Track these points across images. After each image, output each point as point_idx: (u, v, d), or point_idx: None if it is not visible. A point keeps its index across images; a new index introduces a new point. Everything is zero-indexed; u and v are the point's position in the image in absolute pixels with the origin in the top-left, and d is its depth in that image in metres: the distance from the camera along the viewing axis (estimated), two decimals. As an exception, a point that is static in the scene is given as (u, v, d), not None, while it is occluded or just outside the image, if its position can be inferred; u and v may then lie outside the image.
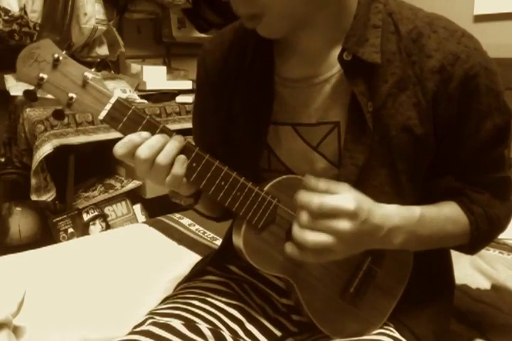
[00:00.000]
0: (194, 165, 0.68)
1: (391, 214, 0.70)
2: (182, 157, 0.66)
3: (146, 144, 0.65)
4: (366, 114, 0.71)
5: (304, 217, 0.65)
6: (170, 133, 0.67)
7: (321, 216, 0.64)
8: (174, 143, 0.66)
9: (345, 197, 0.65)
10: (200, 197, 0.80)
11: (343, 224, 0.64)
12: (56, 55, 0.61)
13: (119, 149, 0.65)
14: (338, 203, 0.64)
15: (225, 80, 0.83)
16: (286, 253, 0.68)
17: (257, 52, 0.78)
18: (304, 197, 0.66)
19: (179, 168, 0.66)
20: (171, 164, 0.66)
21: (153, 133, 0.66)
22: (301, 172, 0.78)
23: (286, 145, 0.79)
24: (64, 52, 0.63)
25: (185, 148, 0.67)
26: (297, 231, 0.66)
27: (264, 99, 0.78)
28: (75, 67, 0.63)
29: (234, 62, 0.82)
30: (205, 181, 0.68)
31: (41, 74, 0.61)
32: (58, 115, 0.65)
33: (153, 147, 0.65)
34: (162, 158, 0.65)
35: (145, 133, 0.65)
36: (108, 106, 0.64)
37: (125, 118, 0.64)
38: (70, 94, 0.62)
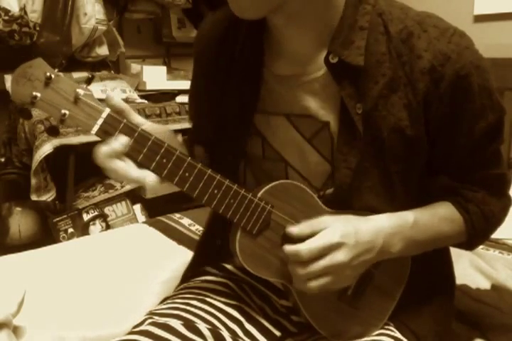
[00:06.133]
0: (187, 175, 0.68)
1: (382, 224, 0.72)
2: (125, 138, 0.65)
3: None
4: (355, 117, 0.71)
5: (300, 271, 0.68)
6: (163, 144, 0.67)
7: (314, 260, 0.67)
8: None
9: (326, 232, 0.68)
10: None
11: (337, 257, 0.67)
12: (48, 74, 0.62)
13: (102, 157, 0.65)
14: (321, 242, 0.67)
15: (218, 63, 0.83)
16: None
17: (247, 42, 0.78)
18: (291, 250, 0.68)
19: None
20: None
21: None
22: (295, 164, 0.79)
23: (280, 134, 0.79)
24: (56, 70, 0.63)
25: (177, 158, 0.67)
26: (299, 285, 0.70)
27: (251, 86, 0.78)
28: (66, 84, 0.64)
29: (228, 47, 0.82)
30: (198, 191, 0.69)
31: (34, 93, 0.62)
32: (52, 131, 0.67)
33: None
34: None
35: (124, 139, 0.65)
36: (100, 121, 0.64)
37: (117, 132, 0.65)
38: (63, 111, 0.63)
